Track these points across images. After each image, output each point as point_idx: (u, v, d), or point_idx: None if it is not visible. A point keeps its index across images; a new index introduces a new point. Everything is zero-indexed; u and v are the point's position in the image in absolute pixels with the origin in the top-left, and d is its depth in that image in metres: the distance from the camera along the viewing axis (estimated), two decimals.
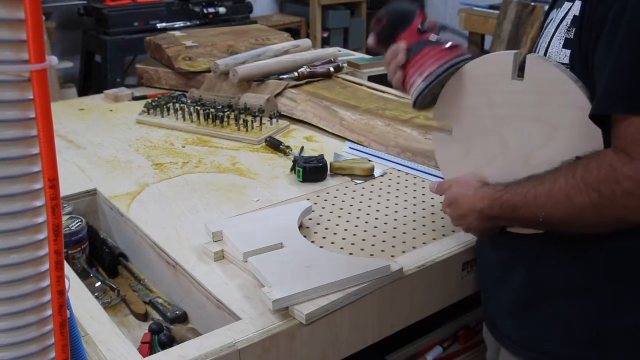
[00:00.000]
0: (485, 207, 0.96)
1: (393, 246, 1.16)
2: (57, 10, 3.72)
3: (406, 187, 1.40)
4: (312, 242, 1.16)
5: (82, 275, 1.20)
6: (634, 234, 0.86)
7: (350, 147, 1.62)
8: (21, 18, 0.50)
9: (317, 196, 1.36)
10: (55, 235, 0.54)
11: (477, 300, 1.16)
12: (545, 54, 0.94)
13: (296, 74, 1.95)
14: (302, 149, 1.61)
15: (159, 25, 3.59)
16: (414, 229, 1.22)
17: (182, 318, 1.13)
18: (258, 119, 1.75)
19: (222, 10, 3.76)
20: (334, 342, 1.00)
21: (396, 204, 1.32)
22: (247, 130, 1.72)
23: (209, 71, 2.06)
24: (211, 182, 1.45)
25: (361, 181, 1.43)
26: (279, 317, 0.95)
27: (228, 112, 1.78)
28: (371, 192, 1.38)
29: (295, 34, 4.20)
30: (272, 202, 1.33)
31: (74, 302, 0.73)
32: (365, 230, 1.21)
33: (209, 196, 1.37)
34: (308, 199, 1.32)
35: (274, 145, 1.63)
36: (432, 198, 1.34)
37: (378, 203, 1.33)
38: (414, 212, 1.28)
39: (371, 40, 1.08)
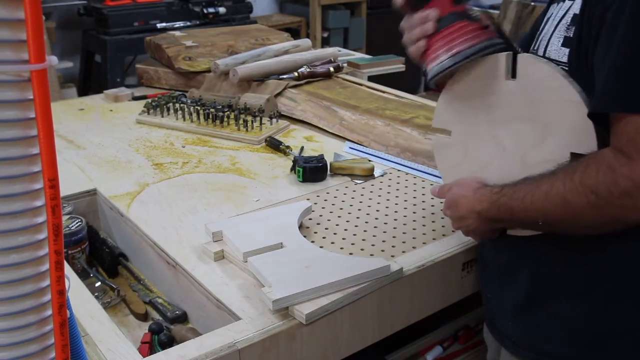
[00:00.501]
0: (484, 209, 0.95)
1: (393, 246, 1.16)
2: (57, 10, 3.72)
3: (406, 187, 1.40)
4: (312, 242, 1.16)
5: (82, 275, 1.20)
6: (633, 235, 0.86)
7: (350, 147, 1.62)
8: (21, 18, 0.50)
9: (317, 196, 1.36)
10: (55, 235, 0.54)
11: (477, 300, 1.16)
12: (544, 52, 0.94)
13: (296, 74, 1.95)
14: (302, 149, 1.61)
15: (159, 25, 3.58)
16: (414, 229, 1.22)
17: (182, 318, 1.13)
18: (258, 119, 1.75)
19: (222, 10, 3.76)
20: (334, 342, 1.00)
21: (396, 204, 1.32)
22: (247, 130, 1.72)
23: (209, 71, 2.06)
24: (211, 182, 1.45)
25: (361, 181, 1.43)
26: (279, 317, 0.95)
27: (228, 112, 1.78)
28: (371, 192, 1.38)
29: (295, 34, 4.20)
30: (272, 202, 1.33)
31: (74, 302, 0.73)
32: (365, 230, 1.21)
33: (209, 196, 1.37)
34: (308, 199, 1.32)
35: (274, 145, 1.63)
36: (432, 198, 1.34)
37: (378, 203, 1.33)
38: (414, 212, 1.28)
39: (398, 0, 0.97)
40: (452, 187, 1.04)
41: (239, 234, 1.13)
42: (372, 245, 1.16)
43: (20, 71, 0.51)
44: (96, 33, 3.55)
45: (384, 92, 1.91)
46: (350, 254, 1.13)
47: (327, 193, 1.37)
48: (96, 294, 1.18)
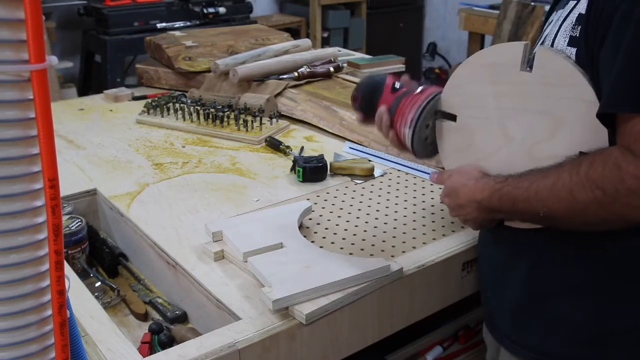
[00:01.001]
0: (485, 198, 0.95)
1: (393, 246, 1.16)
2: (57, 10, 3.72)
3: (406, 187, 1.40)
4: (312, 242, 1.16)
5: (82, 275, 1.20)
6: (633, 233, 0.86)
7: (350, 147, 1.62)
8: (21, 18, 0.50)
9: (317, 196, 1.36)
10: (55, 235, 0.54)
11: (477, 300, 1.16)
12: None
13: (296, 74, 1.95)
14: (302, 149, 1.61)
15: (159, 25, 3.58)
16: (414, 229, 1.22)
17: (182, 318, 1.13)
18: (258, 119, 1.75)
19: (222, 10, 3.76)
20: (334, 342, 1.00)
21: (396, 204, 1.32)
22: (247, 130, 1.72)
23: (209, 71, 2.06)
24: (211, 182, 1.45)
25: (361, 181, 1.43)
26: (279, 317, 0.95)
27: (228, 112, 1.78)
28: (371, 192, 1.38)
29: (295, 34, 4.20)
30: (272, 202, 1.33)
31: (74, 302, 0.73)
32: (365, 230, 1.21)
33: (209, 196, 1.37)
34: (308, 199, 1.32)
35: (274, 145, 1.63)
36: (432, 198, 1.34)
37: (378, 203, 1.33)
38: (414, 212, 1.28)
39: (358, 117, 1.16)
40: (452, 174, 1.03)
41: (239, 234, 1.13)
42: (372, 245, 1.16)
43: (20, 71, 0.51)
44: (96, 33, 3.55)
45: None
46: (350, 254, 1.13)
47: (327, 193, 1.37)
48: (96, 294, 1.18)
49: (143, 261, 1.27)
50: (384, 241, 1.18)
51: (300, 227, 1.20)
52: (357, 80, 2.06)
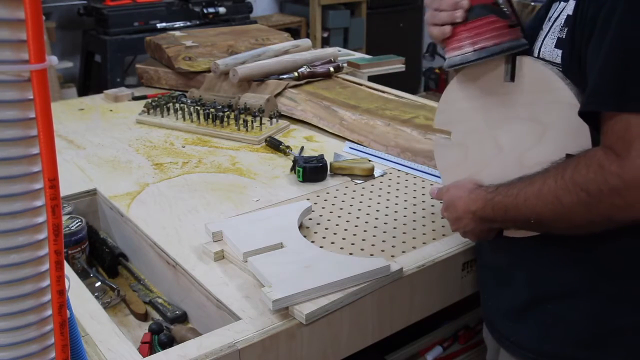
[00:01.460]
0: (479, 208, 0.96)
1: (393, 246, 1.16)
2: (57, 10, 3.72)
3: (406, 187, 1.40)
4: (312, 242, 1.16)
5: (82, 275, 1.20)
6: (631, 234, 0.86)
7: (350, 147, 1.62)
8: (21, 18, 0.50)
9: (317, 196, 1.36)
10: (55, 235, 0.54)
11: (477, 300, 1.16)
12: (538, 53, 0.95)
13: (296, 74, 1.95)
14: (302, 149, 1.61)
15: (159, 25, 3.58)
16: (414, 229, 1.22)
17: (182, 318, 1.13)
18: (258, 119, 1.75)
19: (222, 10, 3.76)
20: (334, 342, 1.00)
21: (396, 204, 1.32)
22: (247, 130, 1.72)
23: (209, 71, 2.06)
24: (211, 182, 1.45)
25: (361, 181, 1.43)
26: (279, 317, 0.95)
27: (228, 112, 1.78)
28: (371, 192, 1.38)
29: (295, 34, 4.20)
30: (272, 202, 1.33)
31: (74, 302, 0.73)
32: (365, 230, 1.21)
33: (209, 196, 1.37)
34: (308, 199, 1.32)
35: (274, 145, 1.63)
36: (432, 198, 1.34)
37: (378, 203, 1.33)
38: (414, 212, 1.28)
39: None
40: (449, 188, 1.04)
41: (239, 234, 1.13)
42: (372, 245, 1.16)
43: (20, 71, 0.51)
44: (96, 33, 3.55)
45: (384, 92, 1.91)
46: (350, 254, 1.13)
47: (327, 193, 1.37)
48: (96, 294, 1.17)
49: (143, 261, 1.27)
50: (384, 241, 1.18)
51: (300, 227, 1.20)
52: (357, 80, 2.06)
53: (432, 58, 5.06)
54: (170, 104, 1.87)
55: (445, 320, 1.36)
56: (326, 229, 1.22)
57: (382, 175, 1.46)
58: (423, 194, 1.36)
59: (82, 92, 3.53)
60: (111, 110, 1.99)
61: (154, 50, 2.27)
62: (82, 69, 3.78)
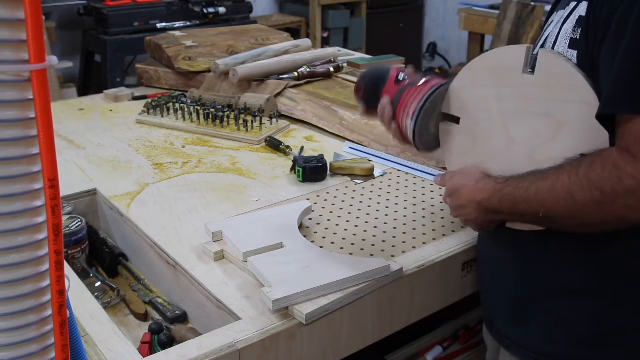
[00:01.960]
0: (485, 199, 0.95)
1: (393, 246, 1.16)
2: (57, 10, 3.72)
3: (406, 187, 1.40)
4: (312, 242, 1.16)
5: (82, 275, 1.20)
6: (633, 234, 0.86)
7: (350, 147, 1.62)
8: (21, 18, 0.50)
9: (317, 196, 1.36)
10: (55, 235, 0.54)
11: (477, 300, 1.16)
12: None
13: (296, 74, 1.95)
14: (302, 149, 1.61)
15: (159, 25, 3.58)
16: (414, 229, 1.22)
17: (182, 318, 1.13)
18: (258, 119, 1.75)
19: (222, 10, 3.76)
20: (334, 342, 1.00)
21: (396, 204, 1.32)
22: (247, 130, 1.72)
23: (209, 71, 2.06)
24: (211, 182, 1.45)
25: (361, 181, 1.43)
26: (279, 317, 0.95)
27: (228, 112, 1.78)
28: (371, 192, 1.38)
29: (295, 34, 4.20)
30: (272, 202, 1.33)
31: (74, 302, 0.73)
32: (365, 230, 1.21)
33: (209, 196, 1.37)
34: (308, 199, 1.32)
35: (274, 145, 1.63)
36: (432, 198, 1.34)
37: (378, 203, 1.33)
38: (414, 212, 1.28)
39: (361, 108, 1.14)
40: (454, 175, 1.03)
41: (239, 234, 1.13)
42: (372, 245, 1.16)
43: (20, 71, 0.51)
44: (96, 33, 3.55)
45: None
46: (350, 254, 1.13)
47: (327, 193, 1.37)
48: (96, 294, 1.18)
49: (143, 261, 1.27)
50: (384, 241, 1.18)
51: (300, 227, 1.20)
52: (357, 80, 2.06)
53: (432, 58, 5.06)
54: (170, 104, 1.87)
55: (445, 320, 1.36)
56: (326, 229, 1.22)
57: (382, 175, 1.46)
58: (423, 194, 1.36)
59: (82, 92, 3.53)
60: (111, 110, 1.99)
61: (154, 50, 2.27)
62: (82, 69, 3.78)
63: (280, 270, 1.01)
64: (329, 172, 1.46)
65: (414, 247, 1.15)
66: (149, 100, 1.94)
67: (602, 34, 0.83)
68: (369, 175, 1.45)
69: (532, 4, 3.13)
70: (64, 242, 0.58)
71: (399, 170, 1.49)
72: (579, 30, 0.88)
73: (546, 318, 0.97)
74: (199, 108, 1.83)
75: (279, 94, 1.89)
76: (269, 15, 4.68)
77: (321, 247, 1.14)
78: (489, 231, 1.05)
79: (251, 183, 1.44)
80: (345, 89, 1.93)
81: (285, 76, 1.96)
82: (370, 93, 1.10)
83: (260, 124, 1.74)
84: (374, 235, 1.20)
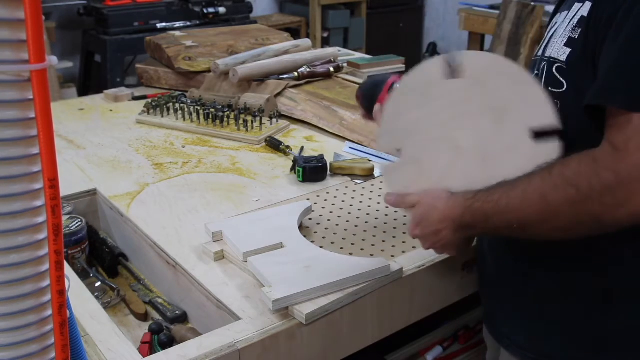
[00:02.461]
0: (457, 216, 0.91)
1: (393, 246, 1.16)
2: (57, 10, 3.73)
3: None
4: (312, 242, 1.16)
5: (82, 275, 1.20)
6: (632, 237, 0.86)
7: (350, 147, 1.62)
8: (21, 18, 0.50)
9: (317, 196, 1.36)
10: (55, 235, 0.54)
11: (477, 300, 1.16)
12: (545, 50, 0.95)
13: (296, 74, 1.95)
14: (302, 149, 1.61)
15: (159, 25, 3.59)
16: None
17: (182, 318, 1.13)
18: (258, 119, 1.75)
19: (222, 10, 3.76)
20: (334, 342, 1.00)
21: None
22: (247, 130, 1.72)
23: (209, 71, 2.06)
24: (211, 182, 1.45)
25: (361, 181, 1.43)
26: (279, 317, 0.95)
27: (228, 112, 1.78)
28: (371, 192, 1.38)
29: (295, 34, 4.20)
30: (272, 202, 1.33)
31: (74, 302, 0.73)
32: (365, 230, 1.21)
33: (209, 196, 1.37)
34: (308, 199, 1.32)
35: (274, 145, 1.63)
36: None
37: (378, 203, 1.32)
38: None
39: (361, 113, 1.20)
40: (417, 203, 0.97)
41: (239, 234, 1.13)
42: (372, 245, 1.16)
43: (20, 71, 0.51)
44: (96, 33, 3.55)
45: None
46: (350, 254, 1.13)
47: (327, 193, 1.37)
48: (96, 294, 1.18)
49: (143, 261, 1.27)
50: (384, 241, 1.18)
51: (300, 227, 1.20)
52: (357, 80, 2.06)
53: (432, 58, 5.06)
54: (170, 104, 1.87)
55: (445, 320, 1.36)
56: (326, 229, 1.22)
57: (382, 175, 1.46)
58: None
59: (82, 92, 3.53)
60: (111, 110, 1.99)
61: (154, 50, 2.27)
62: (82, 69, 3.78)
63: (280, 270, 1.01)
64: (329, 172, 1.46)
65: (414, 247, 1.15)
66: (149, 100, 1.94)
67: (603, 34, 0.82)
68: (369, 175, 1.45)
69: (532, 4, 3.13)
70: (64, 242, 0.58)
71: None
72: (579, 30, 0.87)
73: (546, 318, 0.97)
74: (199, 108, 1.83)
75: (279, 94, 1.89)
76: (269, 15, 4.68)
77: (321, 247, 1.14)
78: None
79: (251, 183, 1.44)
80: (345, 89, 1.93)
81: (285, 76, 1.96)
82: (367, 100, 1.16)
83: (260, 124, 1.74)
84: (374, 235, 1.20)
